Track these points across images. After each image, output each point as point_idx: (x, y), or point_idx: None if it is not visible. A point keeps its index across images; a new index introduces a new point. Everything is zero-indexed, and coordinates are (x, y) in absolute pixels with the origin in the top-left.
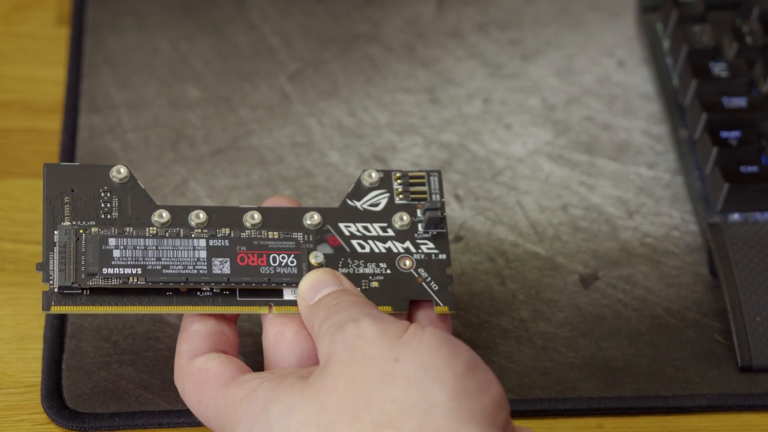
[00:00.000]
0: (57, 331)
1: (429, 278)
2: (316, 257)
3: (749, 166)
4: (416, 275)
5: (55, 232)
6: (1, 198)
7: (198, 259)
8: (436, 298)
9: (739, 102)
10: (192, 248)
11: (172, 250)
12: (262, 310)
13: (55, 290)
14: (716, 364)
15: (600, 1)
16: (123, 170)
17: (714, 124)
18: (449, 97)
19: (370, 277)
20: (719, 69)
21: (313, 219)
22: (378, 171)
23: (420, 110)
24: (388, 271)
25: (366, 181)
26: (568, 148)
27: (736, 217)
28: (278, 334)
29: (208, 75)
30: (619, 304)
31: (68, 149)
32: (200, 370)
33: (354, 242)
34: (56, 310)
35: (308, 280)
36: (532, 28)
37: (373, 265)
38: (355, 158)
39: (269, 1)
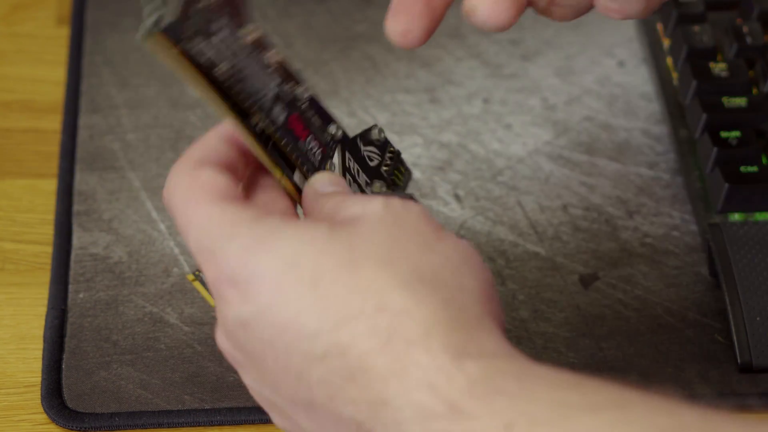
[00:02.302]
0: (57, 331)
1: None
2: (331, 165)
3: (749, 166)
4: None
5: None
6: (1, 198)
7: (267, 93)
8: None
9: (739, 102)
10: (267, 79)
11: (252, 69)
12: (275, 172)
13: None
14: (716, 364)
15: None
16: None
17: (714, 124)
18: (449, 97)
19: None
20: (719, 69)
21: (337, 132)
22: (383, 133)
23: (420, 110)
24: None
25: (374, 135)
26: (568, 148)
27: (736, 217)
28: None
29: None
30: (619, 304)
31: (68, 149)
32: (195, 176)
33: (347, 174)
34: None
35: (327, 175)
36: (532, 28)
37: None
38: None
39: (269, 2)
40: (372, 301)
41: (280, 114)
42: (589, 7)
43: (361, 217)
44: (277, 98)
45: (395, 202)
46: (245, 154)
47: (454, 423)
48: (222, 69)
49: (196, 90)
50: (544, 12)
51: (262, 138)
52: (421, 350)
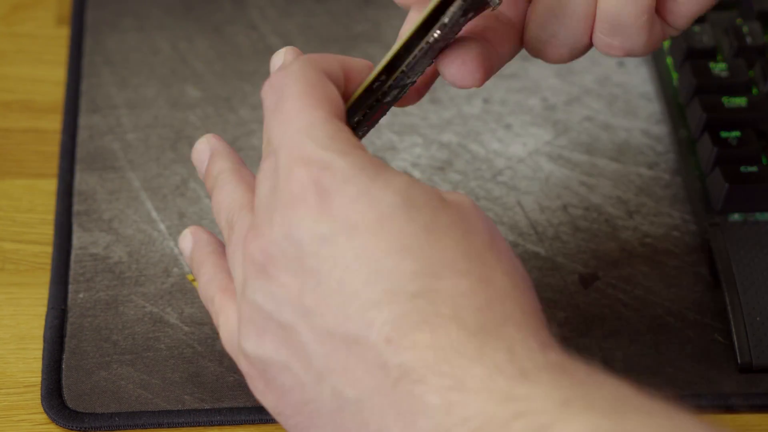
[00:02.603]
0: (57, 331)
1: None
2: None
3: (749, 166)
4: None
5: None
6: (1, 198)
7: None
8: None
9: (739, 102)
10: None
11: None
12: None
13: None
14: (716, 364)
15: None
16: None
17: (714, 124)
18: (449, 97)
19: None
20: (719, 69)
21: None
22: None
23: (420, 110)
24: None
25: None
26: (568, 148)
27: (736, 217)
28: None
29: (208, 75)
30: (619, 304)
31: (68, 149)
32: (323, 82)
33: None
34: None
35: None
36: None
37: None
38: None
39: (269, 1)
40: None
41: (395, 94)
42: (588, 47)
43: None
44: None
45: (397, 176)
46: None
47: (518, 385)
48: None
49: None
50: (538, 54)
51: (373, 94)
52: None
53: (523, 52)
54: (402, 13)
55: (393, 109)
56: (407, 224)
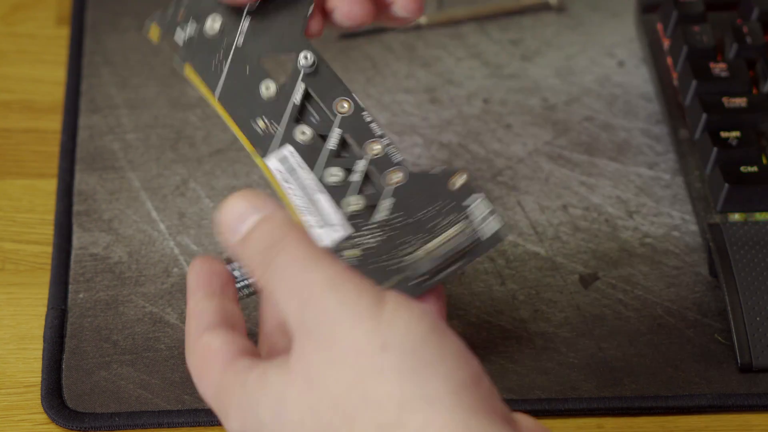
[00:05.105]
0: (57, 331)
1: None
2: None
3: (749, 166)
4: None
5: None
6: (1, 198)
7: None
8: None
9: (739, 102)
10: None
11: None
12: (253, 156)
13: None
14: (716, 364)
15: (600, 2)
16: None
17: (714, 124)
18: (449, 97)
19: None
20: (719, 69)
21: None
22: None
23: (420, 110)
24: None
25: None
26: (568, 148)
27: (736, 217)
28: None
29: None
30: (619, 304)
31: (68, 149)
32: (204, 346)
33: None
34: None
35: (226, 211)
36: (532, 28)
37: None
38: None
39: None
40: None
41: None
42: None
43: (304, 346)
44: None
45: (315, 309)
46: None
47: None
48: None
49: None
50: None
51: None
52: None
53: (523, 52)
54: None
55: (393, 109)
56: None
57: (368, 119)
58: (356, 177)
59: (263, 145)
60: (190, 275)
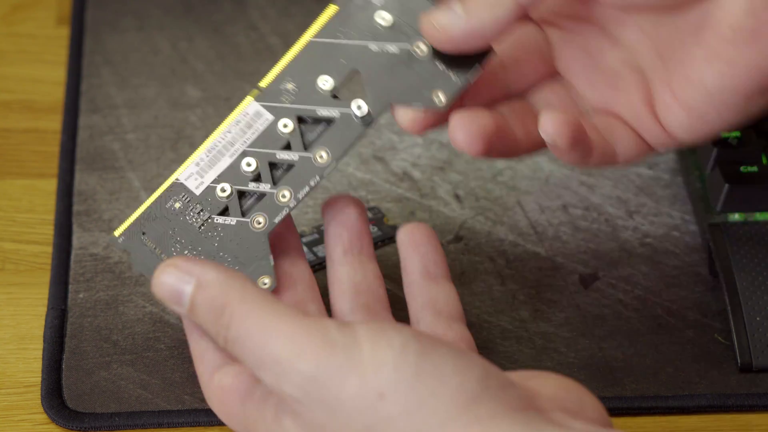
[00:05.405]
0: (57, 331)
1: None
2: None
3: (749, 166)
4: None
5: None
6: (1, 198)
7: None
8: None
9: None
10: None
11: None
12: (251, 93)
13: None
14: (716, 364)
15: None
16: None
17: None
18: None
19: None
20: None
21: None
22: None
23: None
24: None
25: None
26: None
27: (736, 217)
28: None
29: (208, 75)
30: (619, 304)
31: (68, 149)
32: (218, 388)
33: None
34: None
35: (159, 289)
36: None
37: None
38: (355, 158)
39: (269, 1)
40: None
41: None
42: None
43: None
44: None
45: (296, 387)
46: None
47: None
48: None
49: None
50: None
51: None
52: None
53: None
54: None
55: None
56: None
57: (312, 183)
58: (256, 188)
59: (271, 98)
60: (185, 321)
